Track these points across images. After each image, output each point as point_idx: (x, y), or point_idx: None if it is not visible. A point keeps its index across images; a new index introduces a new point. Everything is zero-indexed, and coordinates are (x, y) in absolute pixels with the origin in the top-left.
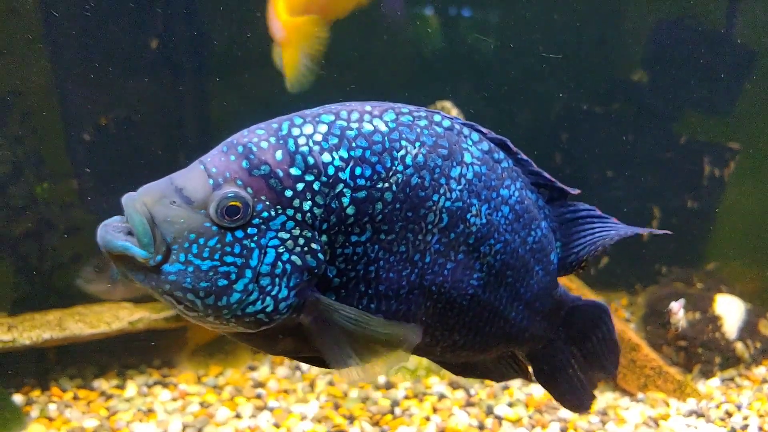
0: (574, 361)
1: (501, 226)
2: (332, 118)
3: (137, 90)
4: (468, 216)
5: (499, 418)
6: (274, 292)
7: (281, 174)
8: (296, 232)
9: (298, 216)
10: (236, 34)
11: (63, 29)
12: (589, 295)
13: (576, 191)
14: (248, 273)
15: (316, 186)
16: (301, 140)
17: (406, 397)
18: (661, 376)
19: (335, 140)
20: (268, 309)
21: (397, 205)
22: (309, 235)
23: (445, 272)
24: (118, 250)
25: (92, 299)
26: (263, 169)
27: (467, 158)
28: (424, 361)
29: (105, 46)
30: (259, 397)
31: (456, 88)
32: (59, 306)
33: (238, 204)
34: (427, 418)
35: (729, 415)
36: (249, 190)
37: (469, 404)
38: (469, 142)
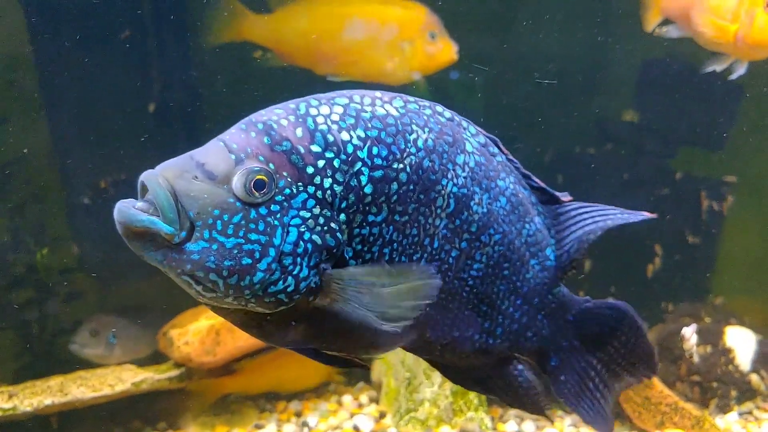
0: (594, 373)
1: (499, 216)
2: (346, 101)
3: (136, 152)
4: (471, 203)
5: None
6: (295, 272)
7: (302, 150)
8: (316, 210)
9: (319, 194)
10: (234, 95)
11: (61, 96)
12: None
13: (567, 197)
14: (272, 252)
15: (336, 163)
16: (320, 119)
17: None
18: (677, 413)
19: (352, 120)
20: (289, 289)
21: (411, 187)
22: (328, 214)
23: (450, 260)
24: (142, 225)
25: (94, 366)
26: (285, 144)
27: (469, 147)
28: (434, 410)
29: (103, 111)
30: None
31: None
32: (62, 373)
33: (264, 178)
34: None
35: None
36: (271, 165)
37: None
38: (468, 134)
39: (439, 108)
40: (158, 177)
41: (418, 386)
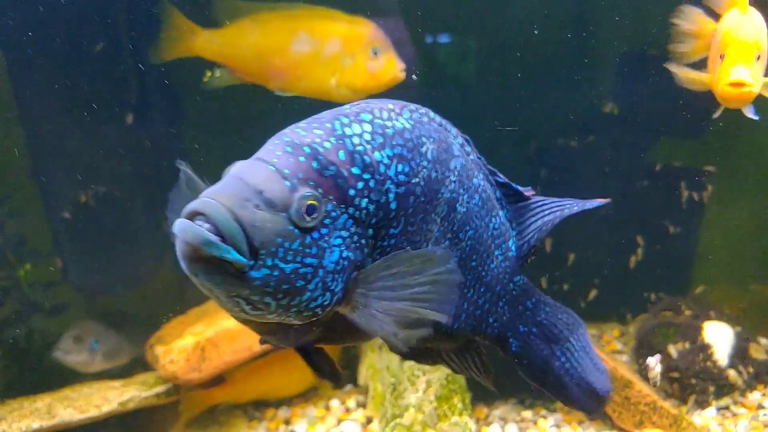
0: (558, 363)
1: (473, 213)
2: (370, 117)
3: (116, 165)
4: (456, 205)
5: None
6: (332, 287)
7: (345, 174)
8: (353, 229)
9: (357, 213)
10: (216, 101)
11: (37, 107)
12: None
13: (531, 192)
14: (320, 272)
15: (371, 184)
16: (356, 140)
17: None
18: (656, 412)
19: (381, 139)
20: (326, 303)
21: (422, 198)
22: (361, 231)
23: None
24: (218, 254)
25: (81, 377)
26: (331, 169)
27: (455, 151)
28: (419, 415)
29: (80, 123)
30: None
31: None
32: (51, 386)
33: (316, 203)
34: None
35: None
36: (319, 190)
37: None
38: (452, 137)
39: (431, 114)
40: (222, 207)
41: (402, 392)
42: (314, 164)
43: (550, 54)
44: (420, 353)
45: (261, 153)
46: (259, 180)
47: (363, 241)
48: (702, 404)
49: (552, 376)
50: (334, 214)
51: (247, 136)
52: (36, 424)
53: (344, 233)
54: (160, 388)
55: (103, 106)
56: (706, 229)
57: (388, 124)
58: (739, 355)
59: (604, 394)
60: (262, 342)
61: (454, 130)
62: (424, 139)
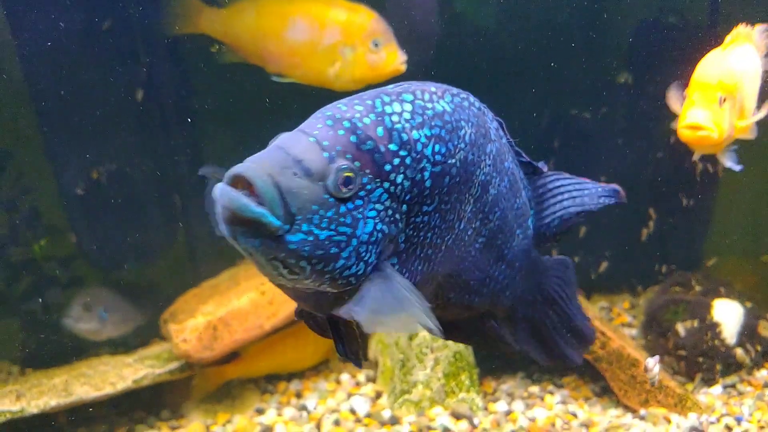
0: (549, 321)
1: (502, 195)
2: (411, 97)
3: (127, 141)
4: (489, 187)
5: None
6: (366, 258)
7: (383, 149)
8: (388, 203)
9: (392, 188)
10: (223, 78)
11: (46, 84)
12: (587, 304)
13: (544, 167)
14: (354, 242)
15: (407, 161)
16: (395, 118)
17: None
18: (661, 391)
19: (420, 119)
20: (359, 272)
21: (457, 179)
22: (395, 206)
23: (466, 237)
24: (253, 216)
25: (97, 350)
26: (369, 144)
27: (492, 135)
28: (427, 392)
29: (90, 99)
30: None
31: None
32: (68, 357)
33: (352, 175)
34: None
35: (729, 429)
36: (356, 163)
37: None
38: (488, 121)
39: (471, 98)
40: (263, 173)
41: (411, 368)
42: (352, 138)
43: (562, 21)
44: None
45: (303, 125)
46: (299, 150)
47: (397, 216)
48: (708, 382)
49: (546, 336)
50: (369, 187)
51: (259, 111)
52: (53, 402)
53: (379, 206)
54: (173, 365)
55: (114, 83)
56: (719, 201)
57: (429, 105)
58: (748, 334)
59: (589, 337)
60: (298, 311)
61: (490, 115)
62: (462, 123)
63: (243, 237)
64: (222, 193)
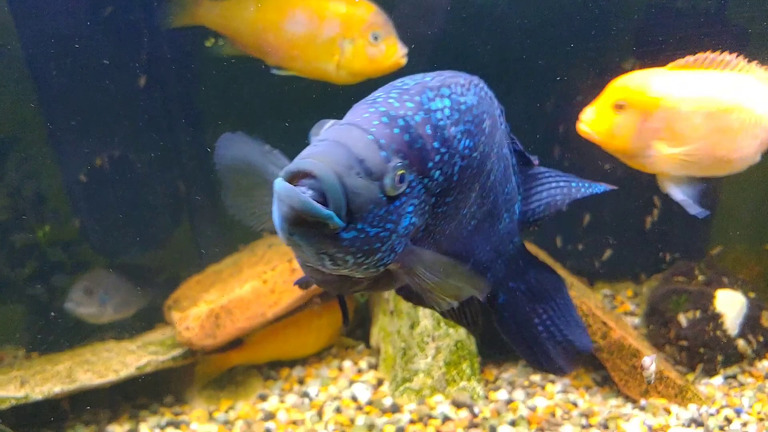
0: (538, 320)
1: (497, 180)
2: (449, 92)
3: (130, 128)
4: (491, 174)
5: None
6: (396, 249)
7: (429, 148)
8: (422, 197)
9: (429, 184)
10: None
11: (49, 69)
12: (585, 290)
13: (536, 161)
14: (394, 236)
15: (446, 157)
16: (439, 115)
17: (411, 421)
18: (662, 382)
19: (457, 115)
20: (388, 261)
21: (475, 171)
22: (427, 199)
23: (464, 221)
24: (322, 218)
25: (102, 334)
26: (419, 143)
27: (499, 125)
28: (428, 380)
29: (93, 85)
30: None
31: None
32: (73, 341)
33: (404, 173)
34: None
35: (728, 421)
36: (406, 161)
37: (473, 425)
38: (495, 108)
39: (485, 87)
40: (332, 172)
41: (412, 357)
42: (406, 137)
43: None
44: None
45: (357, 119)
46: (360, 148)
47: (426, 208)
48: (710, 372)
49: (530, 332)
50: (413, 184)
51: (265, 97)
52: (57, 388)
53: (416, 201)
54: (176, 352)
55: (116, 69)
56: (725, 188)
57: (461, 99)
58: (750, 324)
59: (584, 349)
60: (320, 292)
61: (496, 102)
62: (485, 116)
63: (301, 235)
64: (289, 193)
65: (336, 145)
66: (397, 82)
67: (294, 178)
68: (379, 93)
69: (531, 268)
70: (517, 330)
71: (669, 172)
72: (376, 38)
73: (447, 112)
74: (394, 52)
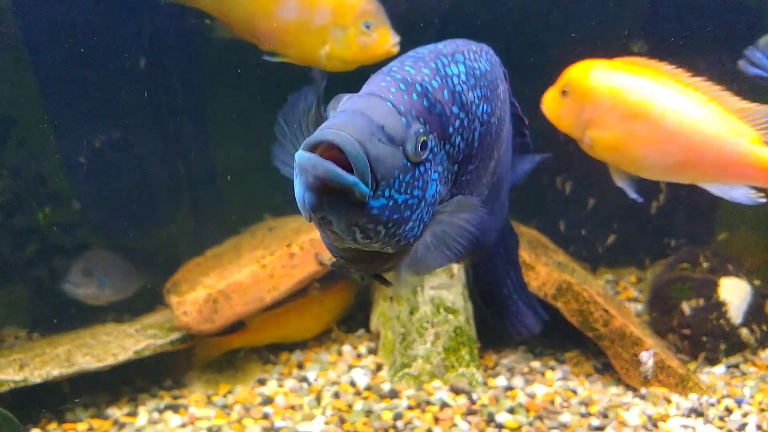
0: (510, 281)
1: (507, 148)
2: (462, 58)
3: (130, 109)
4: (504, 142)
5: (499, 426)
6: (425, 219)
7: (448, 112)
8: (446, 164)
9: (451, 150)
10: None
11: (47, 51)
12: (587, 275)
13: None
14: (422, 204)
15: (465, 122)
16: (455, 80)
17: (409, 407)
18: (663, 371)
19: (473, 80)
20: (417, 233)
21: (494, 137)
22: (450, 167)
23: (477, 191)
24: (347, 184)
25: (103, 316)
26: (438, 107)
27: (508, 90)
28: (427, 366)
29: (92, 66)
30: (266, 416)
31: None
32: (75, 322)
33: (426, 139)
34: (429, 431)
35: (729, 411)
36: (427, 126)
37: (471, 412)
38: (501, 73)
39: (492, 52)
40: (354, 141)
41: (411, 342)
42: (425, 102)
43: None
44: None
45: (374, 88)
46: (380, 115)
47: (450, 176)
48: (712, 361)
49: (503, 293)
50: (435, 150)
51: (264, 78)
52: (56, 372)
53: (440, 168)
54: (175, 335)
55: (116, 51)
56: None
57: (476, 65)
58: (754, 313)
59: (543, 316)
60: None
61: (501, 67)
62: (498, 81)
63: (329, 205)
64: (313, 162)
65: (355, 114)
66: (411, 52)
67: (315, 148)
68: (394, 63)
69: (509, 231)
70: (491, 289)
71: (603, 160)
72: (368, 27)
73: (463, 77)
74: (386, 41)
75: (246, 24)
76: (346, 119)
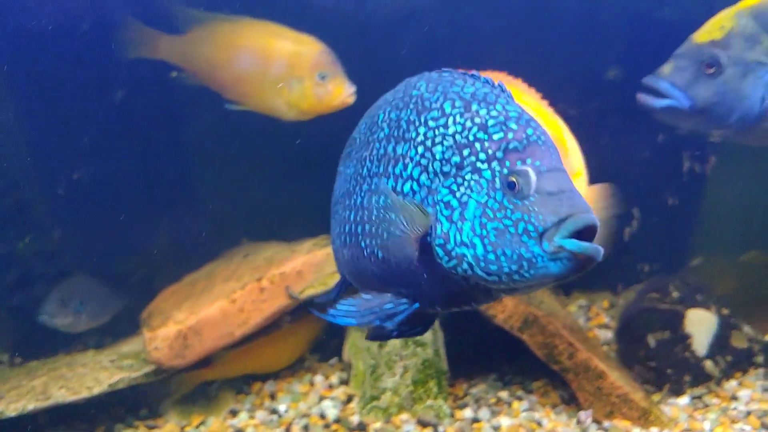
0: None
1: None
2: (495, 98)
3: (107, 143)
4: None
5: None
6: None
7: None
8: None
9: None
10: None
11: (27, 84)
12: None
13: None
14: None
15: None
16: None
17: None
18: (626, 404)
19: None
20: None
21: None
22: None
23: None
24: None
25: (83, 342)
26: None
27: None
28: (396, 399)
29: (72, 101)
30: None
31: None
32: (56, 348)
33: None
34: None
35: None
36: None
37: None
38: None
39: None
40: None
41: (380, 375)
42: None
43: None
44: None
45: (555, 163)
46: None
47: None
48: (677, 392)
49: None
50: None
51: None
52: (31, 406)
53: None
54: (148, 368)
55: (93, 86)
56: (706, 201)
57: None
58: (720, 345)
59: None
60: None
61: None
62: None
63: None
64: (599, 252)
65: (575, 194)
66: (504, 95)
67: (582, 232)
68: (531, 128)
69: None
70: None
71: None
72: (323, 78)
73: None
74: (340, 91)
75: (209, 75)
76: (580, 200)
